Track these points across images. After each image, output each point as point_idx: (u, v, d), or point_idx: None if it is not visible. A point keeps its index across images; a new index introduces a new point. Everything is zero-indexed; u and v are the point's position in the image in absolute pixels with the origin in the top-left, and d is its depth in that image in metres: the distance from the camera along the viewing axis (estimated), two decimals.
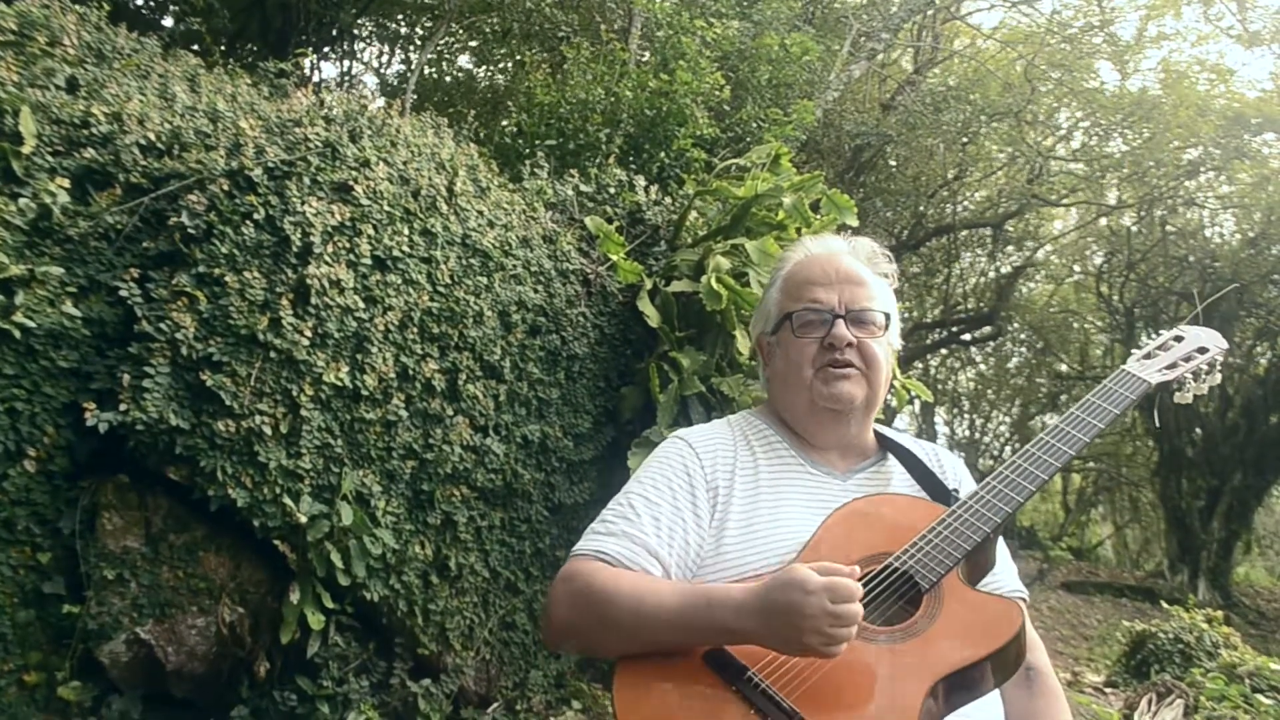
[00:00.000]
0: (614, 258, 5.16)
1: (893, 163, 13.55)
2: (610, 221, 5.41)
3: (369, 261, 3.96)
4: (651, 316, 4.92)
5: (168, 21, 9.06)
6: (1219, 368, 1.79)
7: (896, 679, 1.35)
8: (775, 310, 1.85)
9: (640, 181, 5.78)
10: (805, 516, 1.63)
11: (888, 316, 1.79)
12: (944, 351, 20.96)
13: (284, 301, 3.67)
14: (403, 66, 12.21)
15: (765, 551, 1.60)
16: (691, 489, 1.70)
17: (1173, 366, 1.76)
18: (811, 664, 1.37)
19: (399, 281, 4.07)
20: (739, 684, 1.37)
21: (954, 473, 1.84)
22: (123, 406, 3.38)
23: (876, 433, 1.85)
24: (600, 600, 1.51)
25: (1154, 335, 1.87)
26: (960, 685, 1.37)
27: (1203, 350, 1.78)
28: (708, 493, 1.70)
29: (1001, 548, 1.68)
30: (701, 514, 1.67)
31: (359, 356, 3.91)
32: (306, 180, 3.84)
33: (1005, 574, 1.70)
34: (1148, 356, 1.80)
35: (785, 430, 1.82)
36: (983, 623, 1.41)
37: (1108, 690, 7.23)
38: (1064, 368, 19.99)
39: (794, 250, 1.92)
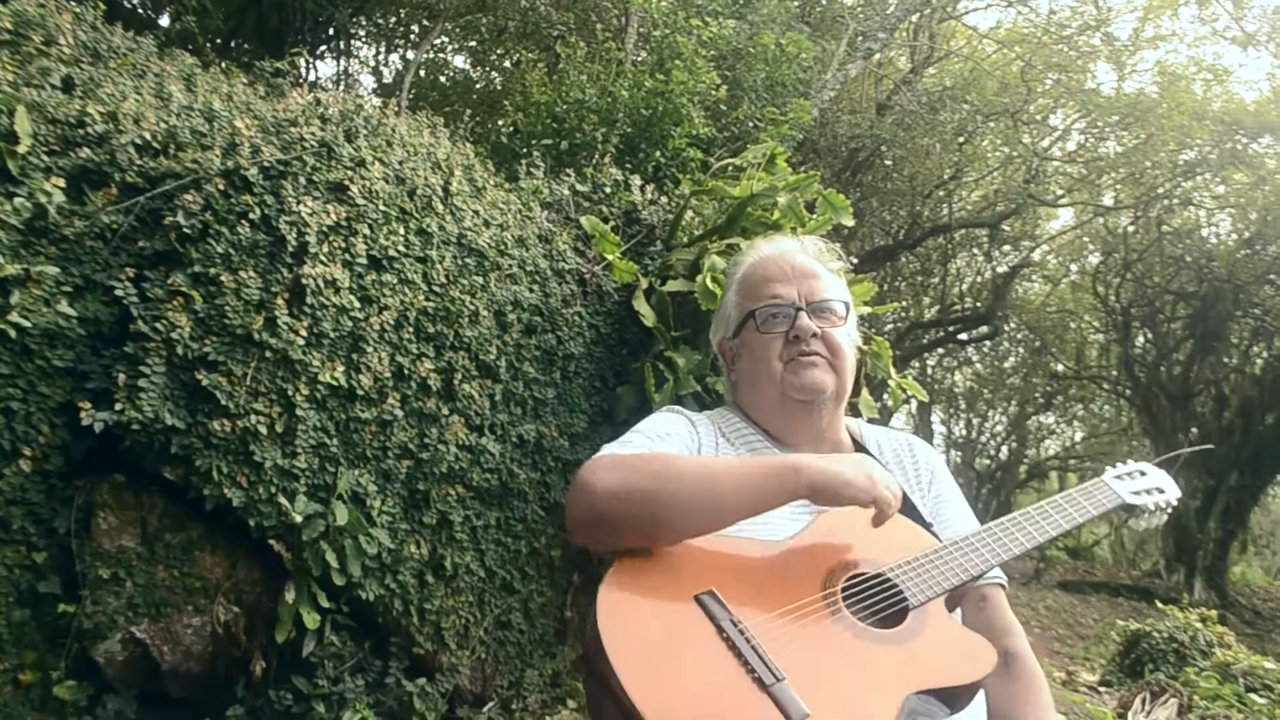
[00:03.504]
0: (610, 257, 5.17)
1: (889, 162, 13.56)
2: (606, 221, 5.41)
3: (364, 261, 3.96)
4: (647, 316, 4.92)
5: (164, 21, 9.05)
6: (1167, 511, 1.92)
7: (880, 678, 1.39)
8: (735, 313, 1.89)
9: (636, 181, 5.78)
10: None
11: (847, 306, 1.83)
12: (940, 351, 20.99)
13: (279, 301, 3.67)
14: (399, 66, 12.22)
15: (762, 529, 1.60)
16: (697, 449, 1.75)
17: (1138, 494, 1.87)
18: (802, 637, 1.40)
19: (394, 281, 4.07)
20: (730, 633, 1.37)
21: (928, 464, 1.89)
22: (118, 406, 3.39)
23: (853, 437, 1.87)
24: (658, 460, 1.53)
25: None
26: (934, 701, 1.43)
27: (1160, 490, 1.92)
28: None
29: None
30: None
31: (354, 356, 3.91)
32: (302, 180, 3.84)
33: None
34: (1119, 478, 1.90)
35: (755, 428, 1.84)
36: (964, 654, 1.48)
37: (1102, 689, 7.24)
38: (1060, 367, 20.02)
39: (745, 255, 1.97)
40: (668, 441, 1.71)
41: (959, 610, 1.71)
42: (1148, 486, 1.89)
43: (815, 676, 1.35)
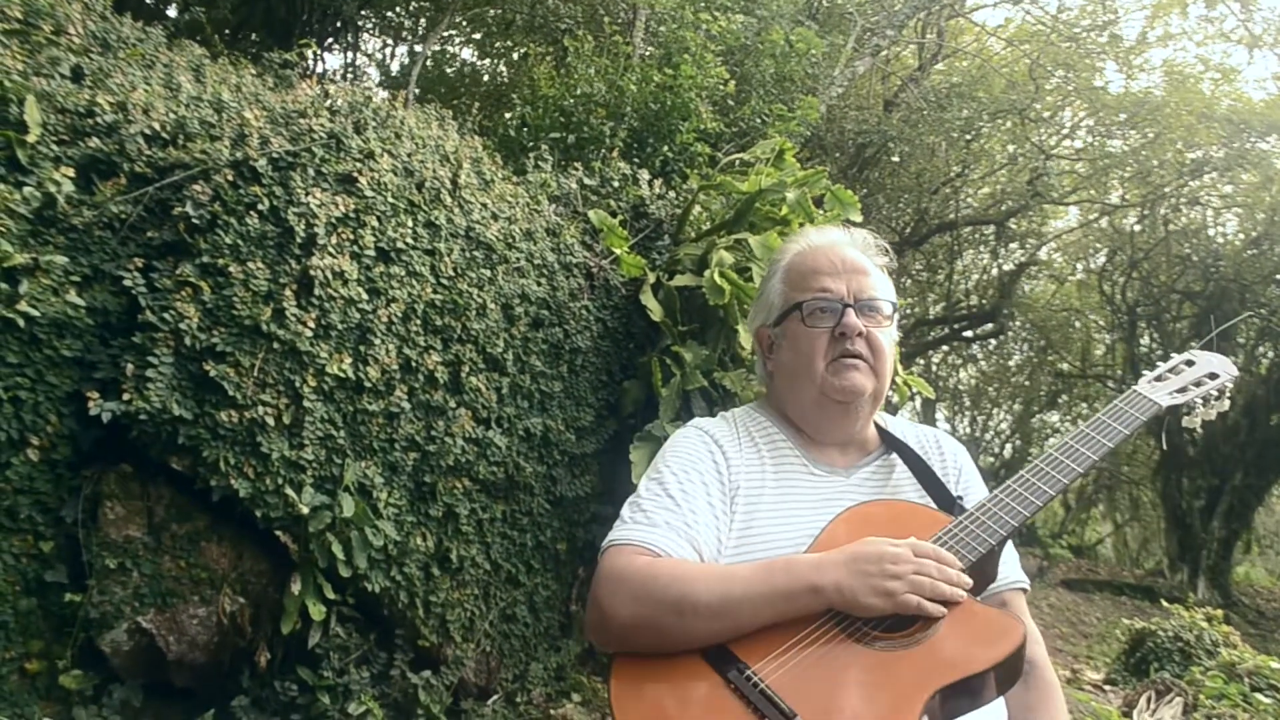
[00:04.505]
0: (617, 251, 5.16)
1: (896, 159, 13.52)
2: (614, 215, 5.40)
3: (372, 253, 3.96)
4: (654, 310, 4.92)
5: (172, 12, 9.06)
6: (1228, 394, 1.79)
7: (896, 688, 1.35)
8: (779, 301, 1.84)
9: (644, 175, 5.78)
10: (809, 518, 1.63)
11: (893, 306, 1.80)
12: (945, 348, 20.95)
13: (287, 292, 3.67)
14: (406, 59, 12.21)
15: (770, 553, 1.59)
16: (720, 483, 1.70)
17: (1183, 390, 1.76)
18: (813, 665, 1.37)
19: (402, 273, 4.07)
20: (738, 681, 1.37)
21: (955, 460, 1.85)
22: (126, 396, 3.39)
23: (879, 428, 1.85)
24: (674, 588, 1.47)
25: (1168, 357, 1.88)
26: (962, 694, 1.37)
27: (1213, 376, 1.79)
28: (729, 488, 1.70)
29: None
30: (724, 509, 1.67)
31: (362, 348, 3.91)
32: (311, 171, 3.84)
33: (1005, 564, 1.69)
34: (1159, 379, 1.80)
35: (788, 426, 1.82)
36: (985, 635, 1.42)
37: (1107, 688, 7.24)
38: (1065, 366, 19.97)
39: (794, 242, 1.92)
40: (693, 499, 1.65)
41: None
42: (1195, 377, 1.78)
43: (828, 704, 1.33)
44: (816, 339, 1.75)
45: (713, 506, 1.65)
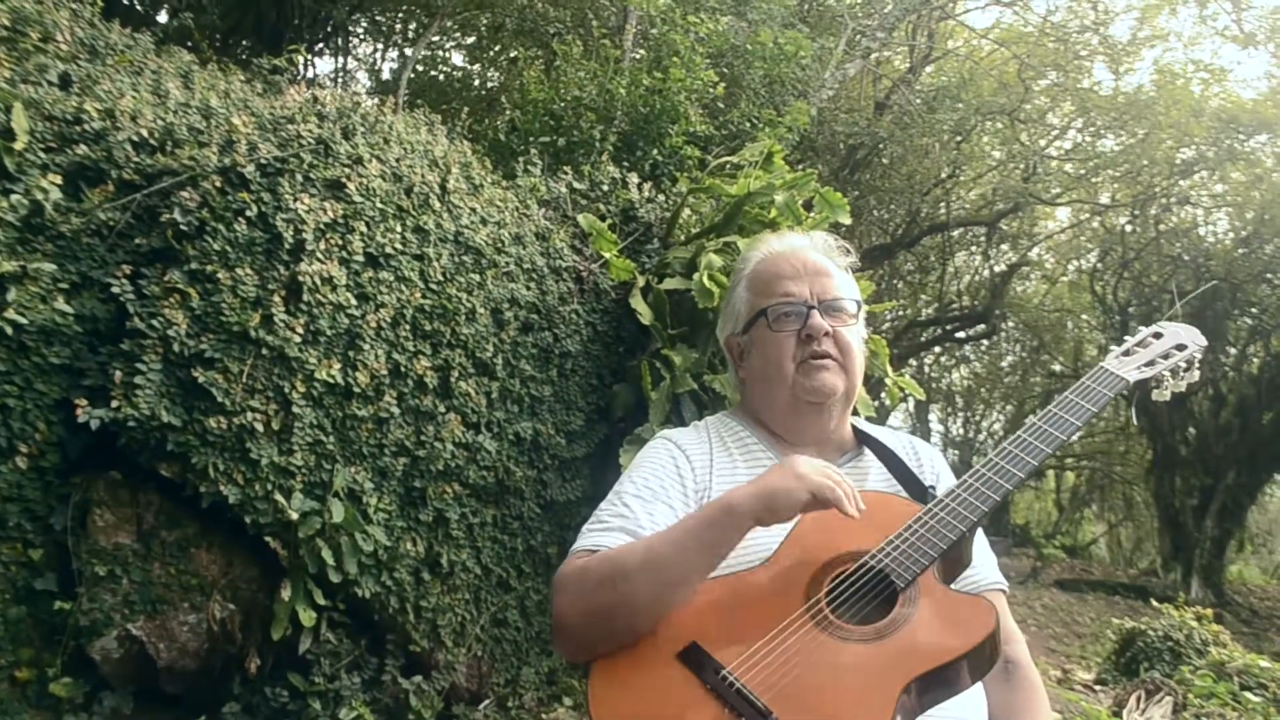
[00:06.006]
0: (607, 255, 5.17)
1: (887, 161, 13.53)
2: (603, 219, 5.41)
3: (361, 258, 3.96)
4: (644, 314, 4.93)
5: (161, 18, 9.04)
6: (1197, 365, 1.77)
7: (871, 679, 1.35)
8: (745, 309, 1.86)
9: (633, 179, 5.79)
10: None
11: (858, 304, 1.83)
12: (938, 349, 21.00)
13: (276, 298, 3.67)
14: (396, 64, 12.21)
15: (741, 556, 1.57)
16: (683, 490, 1.70)
17: (1151, 364, 1.74)
18: (788, 662, 1.38)
19: (391, 279, 4.07)
20: (713, 682, 1.37)
21: (931, 465, 1.86)
22: (115, 403, 3.39)
23: (853, 426, 1.86)
24: (604, 566, 1.49)
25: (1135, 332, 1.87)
26: (936, 683, 1.37)
27: (1181, 347, 1.77)
28: (696, 494, 1.70)
29: (980, 539, 1.67)
30: (689, 510, 1.65)
31: (351, 354, 3.92)
32: (299, 177, 3.84)
33: (983, 566, 1.70)
34: (1126, 354, 1.78)
35: (762, 430, 1.83)
36: (957, 622, 1.41)
37: (1097, 687, 7.25)
38: (1057, 366, 20.01)
39: (755, 250, 1.94)
40: (651, 503, 1.66)
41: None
42: (1163, 350, 1.76)
43: (804, 700, 1.33)
44: (784, 342, 1.76)
45: (673, 509, 1.65)
